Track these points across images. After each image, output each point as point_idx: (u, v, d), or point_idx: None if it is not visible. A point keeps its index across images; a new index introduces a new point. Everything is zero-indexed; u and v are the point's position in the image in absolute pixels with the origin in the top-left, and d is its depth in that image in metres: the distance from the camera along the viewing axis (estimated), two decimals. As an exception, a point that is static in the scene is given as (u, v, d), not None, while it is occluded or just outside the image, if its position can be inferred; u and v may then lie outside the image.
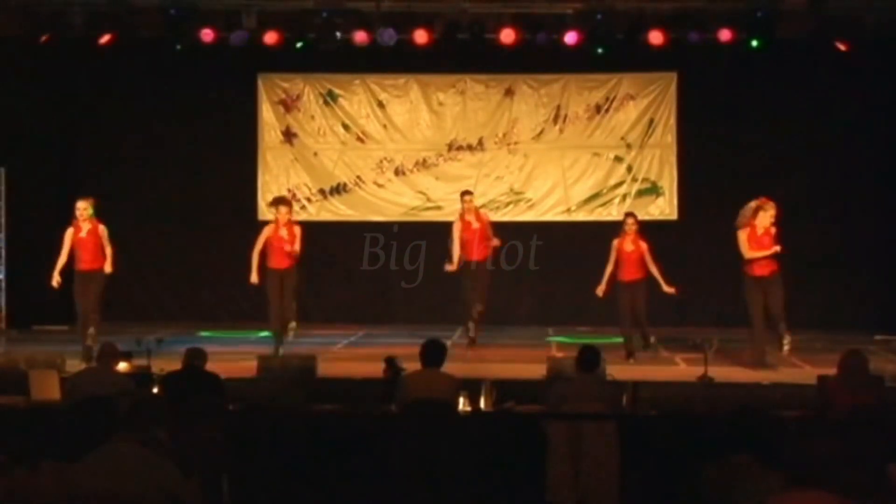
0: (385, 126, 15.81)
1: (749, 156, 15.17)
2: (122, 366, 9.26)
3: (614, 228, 12.40)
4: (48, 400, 8.63)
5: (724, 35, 13.39)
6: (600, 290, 12.03)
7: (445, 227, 13.20)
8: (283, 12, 13.86)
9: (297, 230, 11.94)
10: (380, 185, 15.86)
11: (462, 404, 8.19)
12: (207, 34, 13.67)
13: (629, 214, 12.38)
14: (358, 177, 15.87)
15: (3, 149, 14.51)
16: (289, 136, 15.87)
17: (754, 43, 13.34)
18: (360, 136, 15.84)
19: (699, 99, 15.28)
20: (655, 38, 13.47)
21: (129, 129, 15.75)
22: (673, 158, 15.58)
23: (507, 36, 13.59)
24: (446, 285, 13.94)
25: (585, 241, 14.56)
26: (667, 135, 15.59)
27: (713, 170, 15.34)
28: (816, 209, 14.94)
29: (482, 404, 8.50)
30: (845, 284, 14.92)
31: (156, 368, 9.23)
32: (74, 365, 9.99)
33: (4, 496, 4.08)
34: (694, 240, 14.91)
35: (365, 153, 15.87)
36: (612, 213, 15.18)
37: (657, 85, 15.49)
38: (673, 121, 15.53)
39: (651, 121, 15.56)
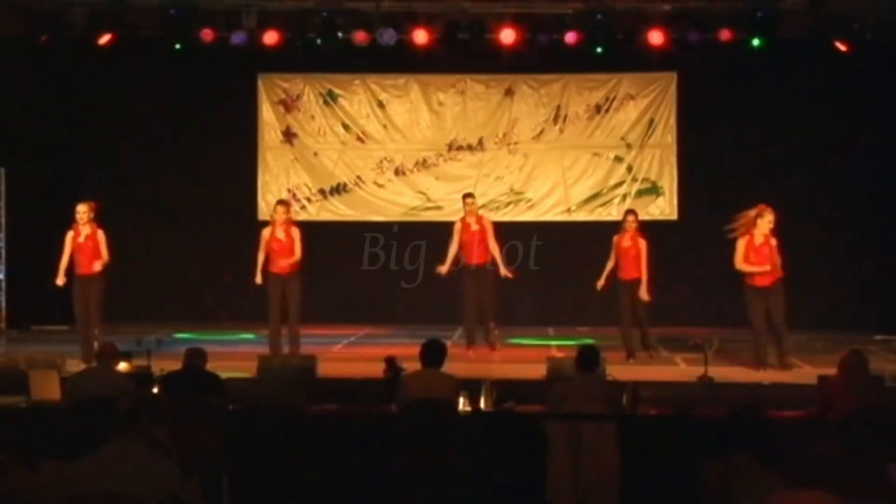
0: (385, 126, 15.82)
1: (749, 156, 15.18)
2: (122, 366, 9.26)
3: (614, 228, 12.40)
4: (48, 400, 8.62)
5: (724, 35, 13.39)
6: (599, 284, 12.04)
7: (446, 227, 13.19)
8: (283, 12, 13.87)
9: (296, 233, 11.86)
10: (380, 185, 15.86)
11: (462, 404, 8.19)
12: (207, 34, 13.67)
13: (630, 211, 12.39)
14: (358, 177, 15.87)
15: (3, 149, 14.52)
16: (289, 136, 15.87)
17: (756, 42, 13.33)
18: (360, 136, 15.85)
19: (699, 99, 15.28)
20: (655, 38, 13.47)
21: (129, 129, 15.77)
22: (673, 158, 15.59)
23: (507, 36, 13.60)
24: (446, 285, 13.93)
25: (585, 241, 14.56)
26: (667, 135, 15.60)
27: (713, 170, 15.34)
28: (816, 209, 14.94)
29: (482, 404, 8.50)
30: (845, 284, 14.92)
31: (156, 368, 9.23)
32: (74, 365, 9.99)
33: (4, 496, 4.08)
34: (694, 240, 14.90)
35: (365, 153, 15.87)
36: (612, 213, 15.18)
37: (657, 85, 15.50)
38: (673, 121, 15.54)
39: (651, 121, 15.56)
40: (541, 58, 14.58)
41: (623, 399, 8.40)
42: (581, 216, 15.68)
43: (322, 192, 15.88)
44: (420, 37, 13.63)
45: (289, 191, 15.62)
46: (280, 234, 11.80)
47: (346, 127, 15.84)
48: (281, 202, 12.34)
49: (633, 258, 11.91)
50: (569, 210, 15.74)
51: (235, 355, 11.37)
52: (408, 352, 9.19)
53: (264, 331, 12.21)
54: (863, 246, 14.99)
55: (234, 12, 13.79)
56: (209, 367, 8.51)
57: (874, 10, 13.22)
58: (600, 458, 7.52)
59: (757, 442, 4.81)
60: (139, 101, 15.65)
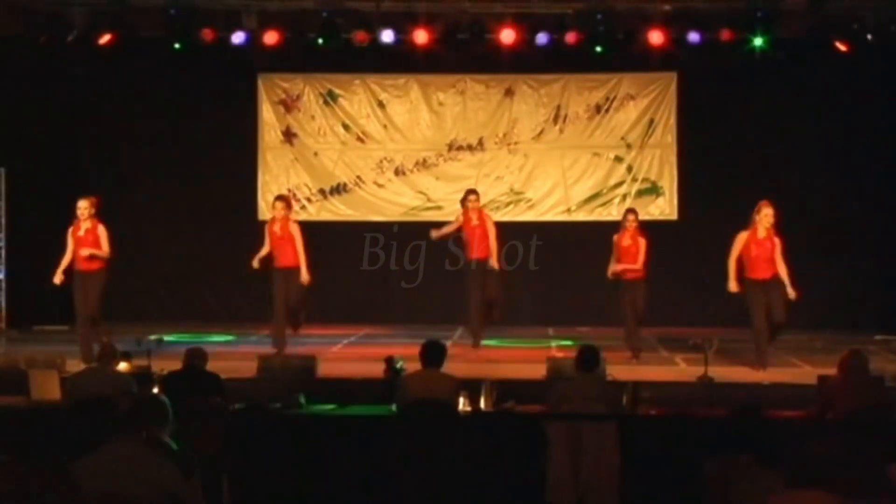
0: (385, 126, 15.82)
1: (749, 156, 15.18)
2: (122, 366, 9.26)
3: (614, 228, 12.40)
4: (48, 400, 8.63)
5: (725, 35, 13.38)
6: (611, 271, 12.00)
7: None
8: (283, 12, 13.86)
9: (294, 229, 11.90)
10: (380, 185, 15.86)
11: (462, 404, 8.19)
12: (207, 34, 13.66)
13: (630, 210, 12.39)
14: (358, 177, 15.87)
15: (3, 149, 14.52)
16: (289, 136, 15.87)
17: (759, 42, 13.31)
18: (360, 136, 15.84)
19: (699, 99, 15.28)
20: (655, 38, 13.47)
21: (129, 129, 15.76)
22: (673, 158, 15.59)
23: (507, 36, 13.59)
24: (446, 285, 13.95)
25: (585, 241, 14.56)
26: (667, 135, 15.59)
27: (713, 170, 15.34)
28: (816, 209, 14.94)
29: (482, 404, 8.50)
30: (845, 284, 14.92)
31: (156, 368, 9.23)
32: (74, 365, 9.98)
33: (4, 496, 4.08)
34: (694, 240, 14.90)
35: (365, 153, 15.87)
36: (613, 213, 15.17)
37: (657, 85, 15.49)
38: (673, 121, 15.53)
39: (651, 121, 15.56)
40: (541, 58, 14.56)
41: (623, 399, 8.40)
42: (581, 216, 15.68)
43: (322, 192, 15.88)
44: (420, 37, 13.62)
45: (289, 191, 15.60)
46: (276, 228, 11.86)
47: (346, 127, 15.84)
48: (278, 198, 12.37)
49: (633, 256, 11.90)
50: (569, 210, 15.74)
51: (235, 355, 11.36)
52: (408, 352, 9.19)
53: (264, 331, 12.20)
54: (862, 246, 14.99)
55: (234, 12, 13.79)
56: (209, 367, 8.50)
57: (874, 10, 13.22)
58: (600, 458, 7.52)
59: (757, 442, 4.81)
60: (139, 101, 15.65)
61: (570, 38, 13.57)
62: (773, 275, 10.97)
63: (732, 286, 11.03)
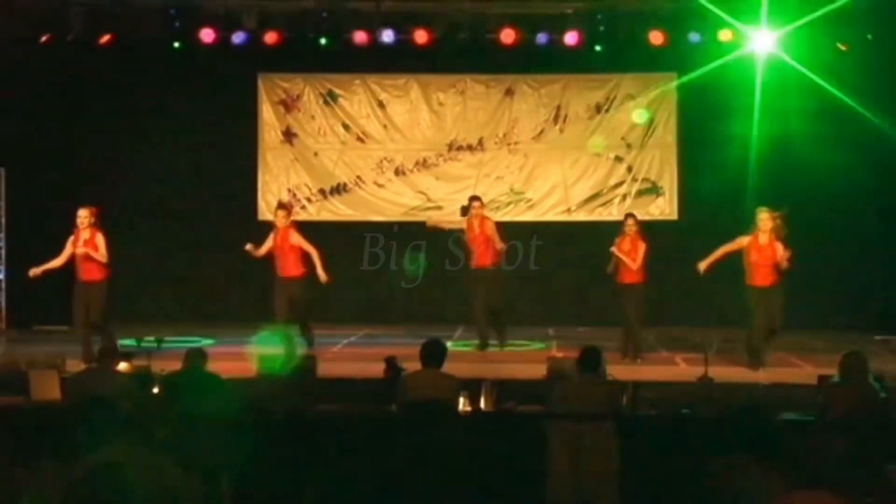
0: (385, 126, 15.81)
1: (749, 156, 15.13)
2: (122, 366, 9.26)
3: (614, 228, 12.40)
4: (48, 400, 8.63)
5: (725, 35, 13.38)
6: (616, 254, 12.01)
7: (446, 228, 13.23)
8: (283, 12, 13.87)
9: (295, 240, 11.95)
10: (380, 185, 15.85)
11: (462, 404, 8.19)
12: (207, 34, 13.68)
13: (629, 215, 12.39)
14: (358, 177, 15.87)
15: (3, 149, 14.51)
16: (289, 136, 15.86)
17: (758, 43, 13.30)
18: (361, 136, 15.84)
19: (699, 99, 15.25)
20: (655, 38, 13.47)
21: (128, 130, 15.74)
22: (673, 158, 15.58)
23: (507, 36, 13.60)
24: (446, 285, 13.96)
25: (585, 241, 14.56)
26: (667, 135, 15.59)
27: (713, 170, 15.32)
28: (816, 209, 14.90)
29: (482, 404, 8.50)
30: (845, 284, 14.91)
31: (156, 368, 9.22)
32: (74, 365, 9.99)
33: (5, 496, 4.08)
34: (694, 240, 14.83)
35: (365, 153, 15.87)
36: (613, 213, 15.18)
37: (657, 85, 15.49)
38: (673, 121, 15.53)
39: (651, 121, 15.56)
40: (541, 58, 14.57)
41: (623, 399, 8.40)
42: (581, 216, 15.67)
43: (322, 192, 15.87)
44: (420, 37, 13.63)
45: (289, 191, 15.62)
46: (277, 239, 11.91)
47: (346, 127, 15.83)
48: (279, 206, 12.43)
49: (632, 261, 11.91)
50: (569, 210, 15.74)
51: (235, 355, 11.35)
52: (408, 352, 9.19)
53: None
54: (863, 246, 14.98)
55: (234, 12, 13.80)
56: (209, 367, 8.50)
57: (874, 10, 13.21)
58: (600, 458, 7.51)
59: (757, 442, 4.81)
60: (139, 101, 15.63)
61: (570, 38, 13.57)
62: (773, 282, 11.03)
63: (702, 265, 11.40)
